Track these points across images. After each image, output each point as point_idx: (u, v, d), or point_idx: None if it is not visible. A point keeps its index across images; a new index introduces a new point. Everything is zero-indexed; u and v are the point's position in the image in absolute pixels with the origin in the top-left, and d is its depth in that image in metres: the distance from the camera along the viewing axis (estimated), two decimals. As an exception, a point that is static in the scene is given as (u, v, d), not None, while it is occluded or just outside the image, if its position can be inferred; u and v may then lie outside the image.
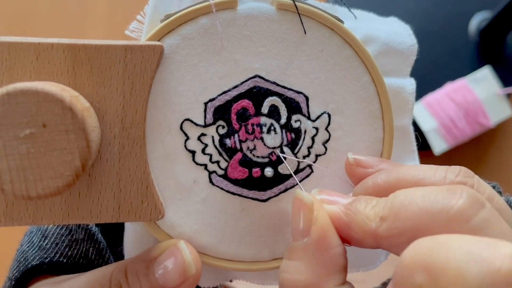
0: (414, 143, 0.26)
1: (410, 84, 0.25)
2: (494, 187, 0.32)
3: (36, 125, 0.18)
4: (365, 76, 0.24)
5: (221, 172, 0.23)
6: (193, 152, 0.23)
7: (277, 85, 0.23)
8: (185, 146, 0.23)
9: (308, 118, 0.23)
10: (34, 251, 0.27)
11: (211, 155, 0.23)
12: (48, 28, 0.65)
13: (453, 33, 0.62)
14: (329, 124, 0.23)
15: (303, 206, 0.20)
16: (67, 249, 0.27)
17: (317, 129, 0.23)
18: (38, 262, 0.26)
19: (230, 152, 0.23)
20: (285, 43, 0.23)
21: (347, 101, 0.23)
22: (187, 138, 0.23)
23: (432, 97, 0.60)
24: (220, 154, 0.23)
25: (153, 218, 0.22)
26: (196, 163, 0.23)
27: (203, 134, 0.23)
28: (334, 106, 0.23)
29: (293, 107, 0.23)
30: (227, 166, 0.23)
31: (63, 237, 0.27)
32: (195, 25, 0.22)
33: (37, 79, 0.20)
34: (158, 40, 0.22)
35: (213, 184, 0.23)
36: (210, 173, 0.23)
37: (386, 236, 0.17)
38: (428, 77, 0.61)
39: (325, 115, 0.23)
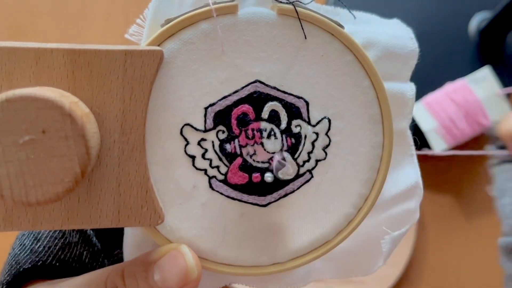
0: (413, 147, 0.26)
1: (410, 89, 0.25)
2: None
3: (36, 132, 0.18)
4: (365, 81, 0.23)
5: (221, 177, 0.23)
6: (193, 157, 0.23)
7: (277, 90, 0.23)
8: (185, 151, 0.23)
9: (308, 123, 0.23)
10: (26, 255, 0.26)
11: (211, 160, 0.23)
12: (47, 32, 0.64)
13: (453, 33, 0.62)
14: (329, 129, 0.23)
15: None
16: (60, 252, 0.27)
17: (317, 134, 0.23)
18: (30, 265, 0.26)
19: (230, 157, 0.23)
20: (286, 48, 0.23)
21: (347, 106, 0.23)
22: (187, 143, 0.23)
23: (432, 97, 0.60)
24: (220, 159, 0.23)
25: (153, 223, 0.22)
26: (196, 168, 0.23)
27: (203, 139, 0.23)
28: (334, 111, 0.23)
29: (293, 112, 0.23)
30: (227, 171, 0.23)
31: (56, 240, 0.27)
32: (195, 30, 0.22)
33: (36, 84, 0.20)
34: (159, 45, 0.22)
35: (213, 189, 0.23)
36: (210, 178, 0.23)
37: None
38: (428, 77, 0.61)
39: (325, 120, 0.23)
